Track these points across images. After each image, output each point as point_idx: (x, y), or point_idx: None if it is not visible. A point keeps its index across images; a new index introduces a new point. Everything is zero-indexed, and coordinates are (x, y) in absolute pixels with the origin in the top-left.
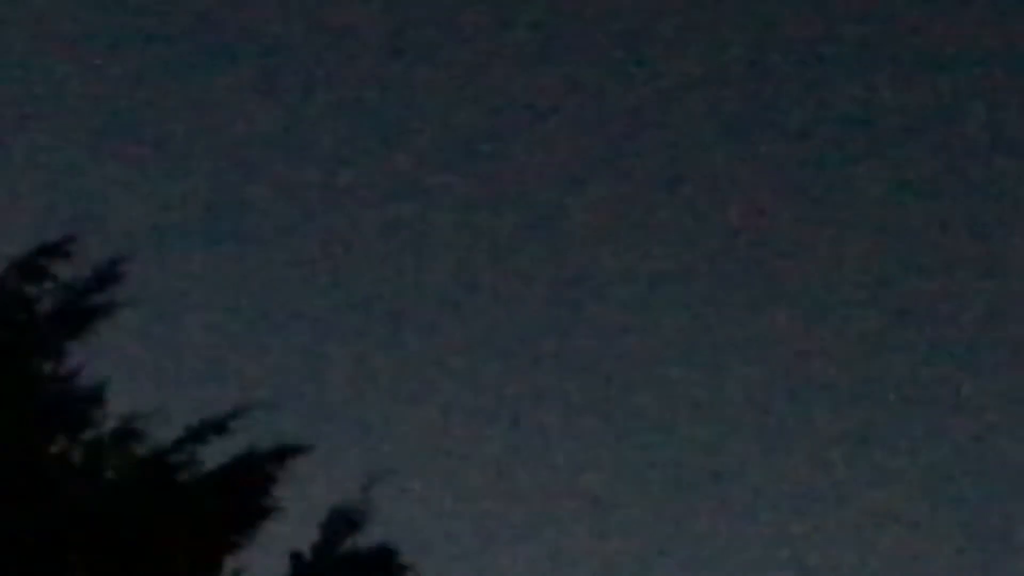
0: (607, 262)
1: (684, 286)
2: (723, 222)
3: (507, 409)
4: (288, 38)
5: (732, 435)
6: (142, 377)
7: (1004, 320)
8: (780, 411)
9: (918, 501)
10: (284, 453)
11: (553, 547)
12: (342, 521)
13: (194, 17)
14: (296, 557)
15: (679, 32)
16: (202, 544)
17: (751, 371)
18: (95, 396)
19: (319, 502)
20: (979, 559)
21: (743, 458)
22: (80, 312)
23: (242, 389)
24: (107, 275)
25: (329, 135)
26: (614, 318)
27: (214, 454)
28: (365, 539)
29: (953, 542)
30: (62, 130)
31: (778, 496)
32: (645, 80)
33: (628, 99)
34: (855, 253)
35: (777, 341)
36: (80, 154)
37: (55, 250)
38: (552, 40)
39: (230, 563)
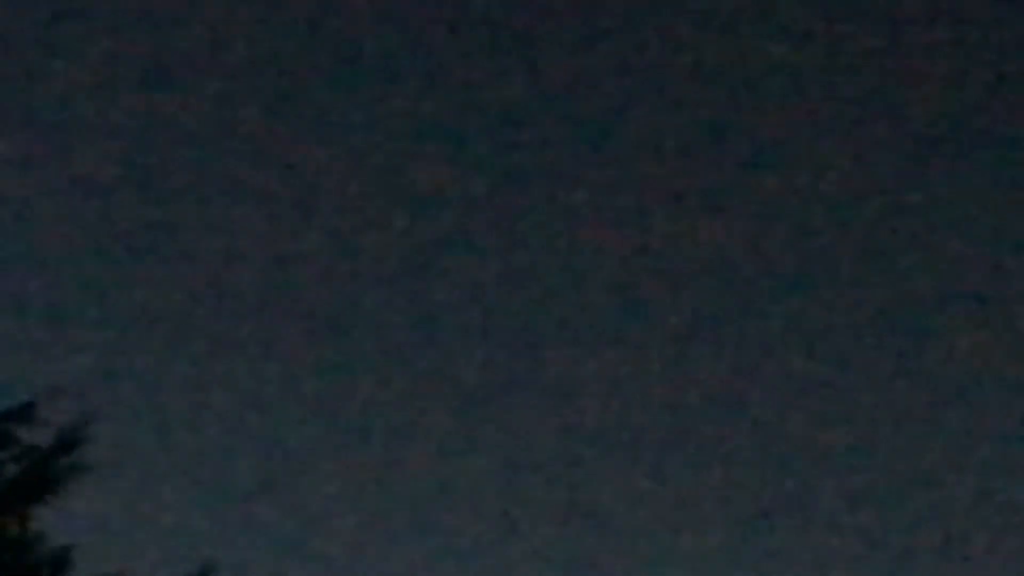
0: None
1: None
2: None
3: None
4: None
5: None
6: (109, 539)
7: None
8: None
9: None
10: None
11: None
12: None
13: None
14: None
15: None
16: None
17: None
18: (62, 559)
19: None
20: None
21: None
22: (45, 476)
23: (209, 551)
24: (72, 439)
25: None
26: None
27: None
28: None
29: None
30: (21, 294)
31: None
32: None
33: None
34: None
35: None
36: (40, 318)
37: (19, 415)
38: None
39: None
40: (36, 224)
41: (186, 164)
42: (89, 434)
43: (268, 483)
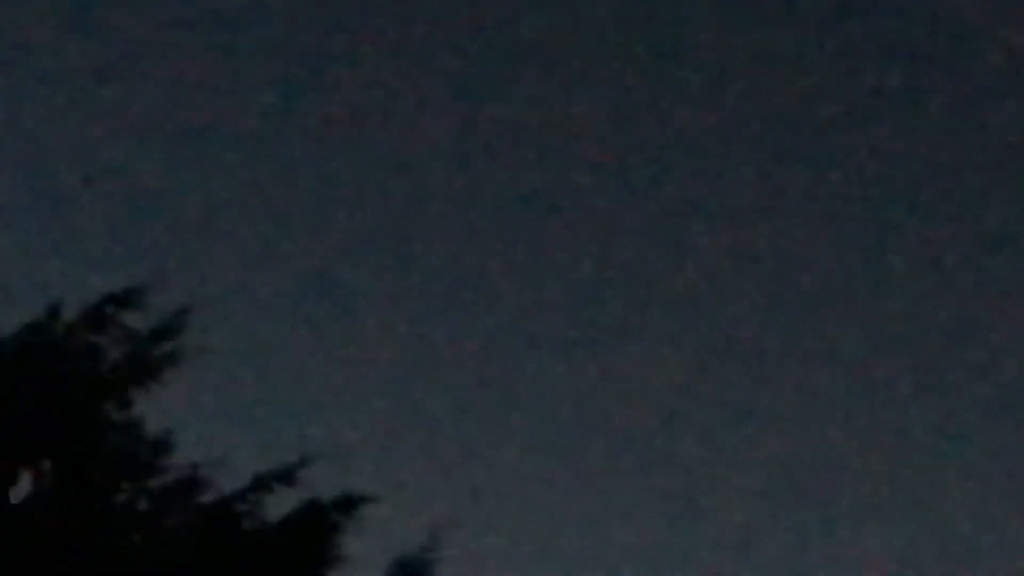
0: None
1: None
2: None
3: (574, 461)
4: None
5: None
6: (208, 426)
7: None
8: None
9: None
10: (349, 503)
11: None
12: (406, 572)
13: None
14: None
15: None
16: None
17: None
18: (161, 445)
19: (384, 553)
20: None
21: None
22: (147, 361)
23: (307, 440)
24: (173, 325)
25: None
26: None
27: (279, 504)
28: None
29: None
30: (131, 183)
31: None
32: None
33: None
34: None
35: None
36: (150, 206)
37: (122, 300)
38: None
39: None
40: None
41: None
42: (190, 321)
43: (351, 376)
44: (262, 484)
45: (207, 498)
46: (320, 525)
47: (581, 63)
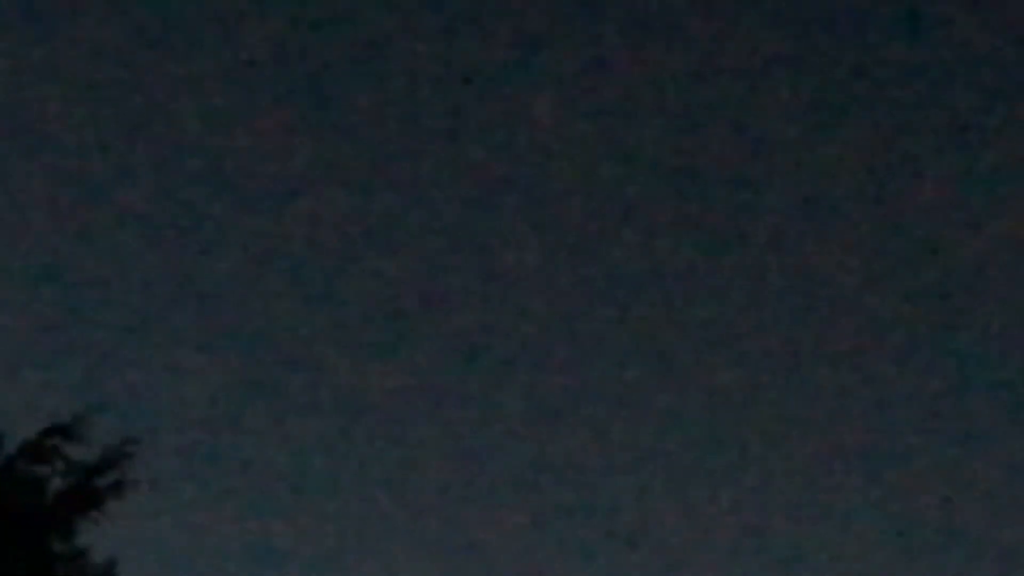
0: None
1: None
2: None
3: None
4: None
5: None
6: (152, 554)
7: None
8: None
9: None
10: None
11: None
12: None
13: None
14: None
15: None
16: None
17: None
18: (107, 573)
19: None
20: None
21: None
22: (90, 492)
23: (249, 570)
24: (117, 455)
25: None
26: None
27: None
28: None
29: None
30: (72, 310)
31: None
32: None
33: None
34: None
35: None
36: (92, 333)
37: (65, 431)
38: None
39: None
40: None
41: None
42: (133, 451)
43: (300, 501)
44: None
45: None
46: None
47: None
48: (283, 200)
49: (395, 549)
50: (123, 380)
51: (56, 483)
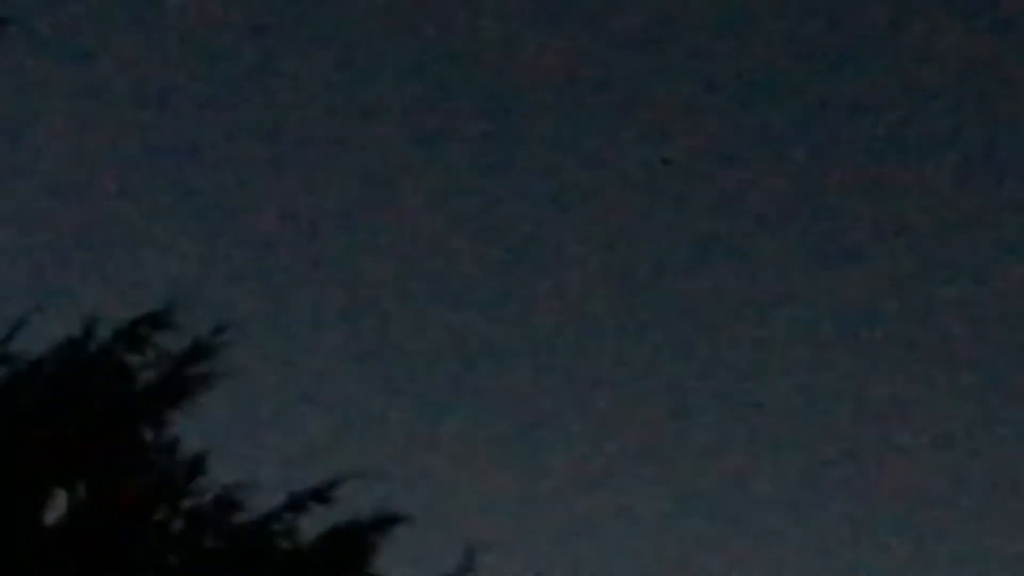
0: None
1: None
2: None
3: (612, 479)
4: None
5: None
6: (243, 447)
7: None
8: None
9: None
10: (383, 523)
11: None
12: None
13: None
14: None
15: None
16: None
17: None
18: (196, 465)
19: (419, 573)
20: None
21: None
22: (181, 382)
23: (342, 460)
24: (208, 345)
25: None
26: None
27: (314, 524)
28: None
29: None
30: (169, 202)
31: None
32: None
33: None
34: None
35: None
36: (186, 225)
37: (157, 320)
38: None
39: None
40: None
41: None
42: (224, 341)
43: (397, 390)
44: (296, 504)
45: (242, 519)
46: (355, 545)
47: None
48: None
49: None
50: (215, 268)
51: (147, 373)
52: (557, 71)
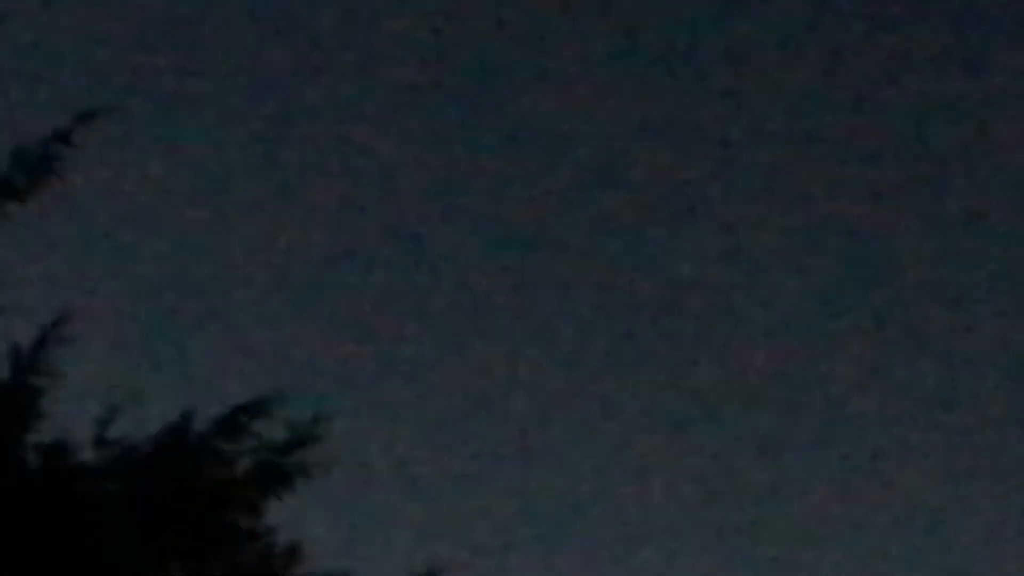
0: None
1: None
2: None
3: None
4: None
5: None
6: (339, 536)
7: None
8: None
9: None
10: None
11: None
12: None
13: None
14: None
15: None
16: None
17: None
18: (293, 553)
19: None
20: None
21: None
22: (278, 471)
23: (433, 547)
24: (306, 435)
25: None
26: None
27: None
28: None
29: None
30: (270, 291)
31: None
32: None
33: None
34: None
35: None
36: (285, 313)
37: (255, 409)
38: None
39: None
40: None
41: None
42: (323, 431)
43: (492, 478)
44: None
45: None
46: None
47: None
48: None
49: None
50: (314, 361)
51: (245, 461)
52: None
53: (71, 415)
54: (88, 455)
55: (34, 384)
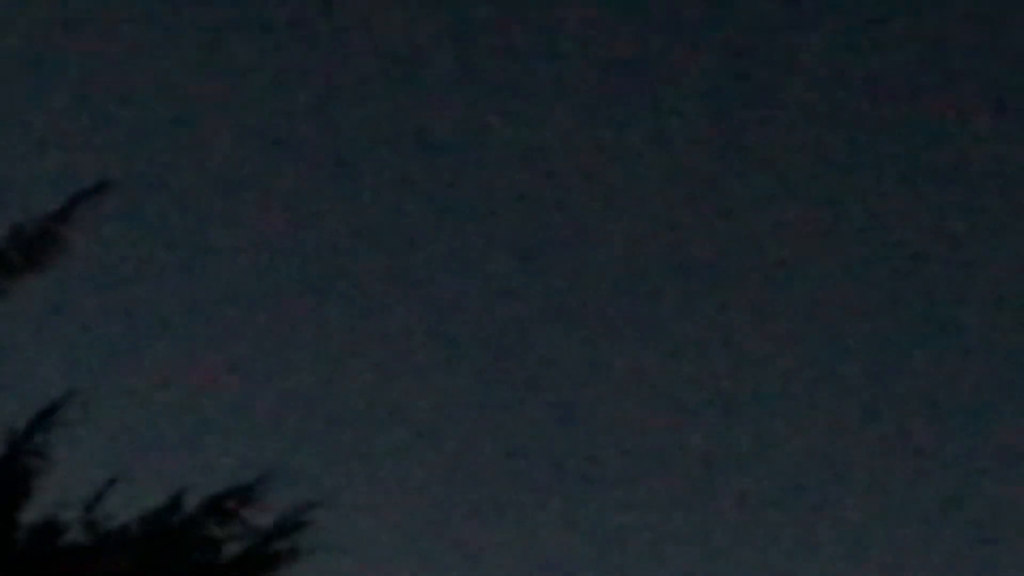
0: None
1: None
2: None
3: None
4: None
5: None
6: None
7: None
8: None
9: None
10: None
11: None
12: None
13: None
14: None
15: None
16: None
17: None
18: None
19: None
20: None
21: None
22: (266, 557)
23: None
24: (293, 522)
25: None
26: None
27: None
28: None
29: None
30: (259, 380)
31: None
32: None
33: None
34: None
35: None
36: (274, 402)
37: (244, 494)
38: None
39: None
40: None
41: None
42: (309, 518)
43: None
44: None
45: None
46: None
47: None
48: None
49: None
50: (302, 445)
51: (233, 546)
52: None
53: (61, 494)
54: (78, 535)
55: (27, 465)
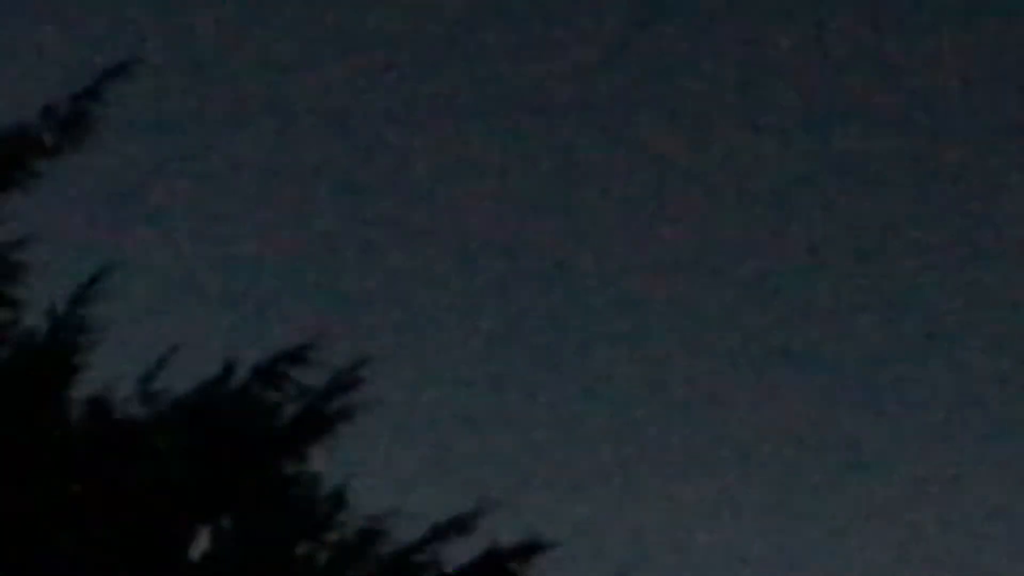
0: None
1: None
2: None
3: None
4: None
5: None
6: (384, 478)
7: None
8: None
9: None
10: (528, 550)
11: None
12: None
13: None
14: None
15: None
16: None
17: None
18: (338, 498)
19: None
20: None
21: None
22: (321, 417)
23: (481, 489)
24: (347, 380)
25: None
26: None
27: (458, 554)
28: None
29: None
30: (302, 239)
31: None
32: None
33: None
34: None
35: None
36: (322, 259)
37: (295, 357)
38: None
39: None
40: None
41: None
42: (364, 375)
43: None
44: (440, 534)
45: (385, 550)
46: (500, 573)
47: None
48: None
49: None
50: (355, 300)
51: (288, 409)
52: None
53: (114, 369)
54: (133, 409)
55: (72, 340)
